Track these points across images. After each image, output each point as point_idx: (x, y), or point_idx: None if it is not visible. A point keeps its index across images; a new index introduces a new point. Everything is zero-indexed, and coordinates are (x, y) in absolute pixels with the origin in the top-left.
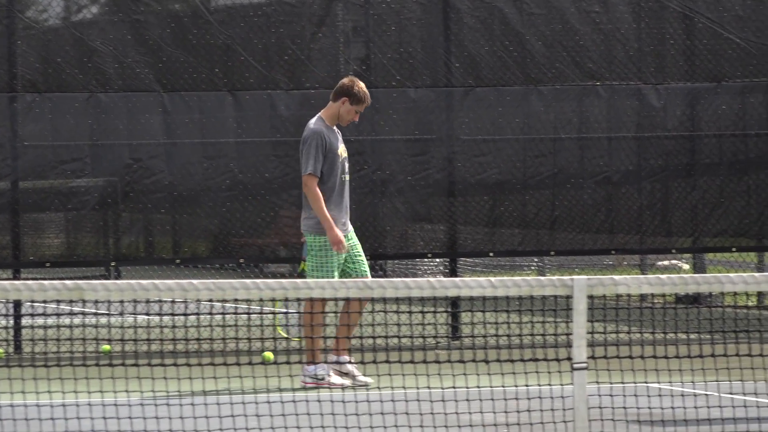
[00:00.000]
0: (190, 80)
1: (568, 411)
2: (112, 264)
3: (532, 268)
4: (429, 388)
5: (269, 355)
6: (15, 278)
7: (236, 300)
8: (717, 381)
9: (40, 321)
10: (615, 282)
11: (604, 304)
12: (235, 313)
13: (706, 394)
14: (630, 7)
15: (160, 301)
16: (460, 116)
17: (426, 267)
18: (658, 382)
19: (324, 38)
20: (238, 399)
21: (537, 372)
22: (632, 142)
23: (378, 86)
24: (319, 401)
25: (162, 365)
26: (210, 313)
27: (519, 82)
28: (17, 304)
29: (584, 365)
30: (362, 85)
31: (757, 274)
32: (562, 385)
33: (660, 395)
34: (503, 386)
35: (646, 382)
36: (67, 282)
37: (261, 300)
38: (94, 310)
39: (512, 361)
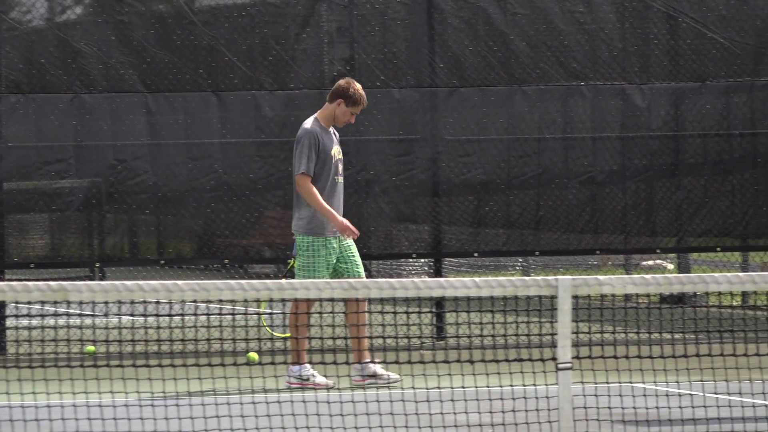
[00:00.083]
0: (175, 81)
1: (553, 411)
2: (97, 265)
3: (517, 268)
4: (414, 388)
5: (254, 355)
6: None
7: (221, 301)
8: (702, 381)
9: (24, 322)
10: (600, 282)
11: (589, 304)
12: (220, 314)
13: (691, 394)
14: (614, 7)
15: (144, 302)
16: (445, 116)
17: (411, 267)
18: (643, 382)
19: (308, 39)
20: (223, 400)
21: (522, 372)
22: (617, 142)
23: (362, 86)
24: (304, 402)
25: (147, 366)
26: (195, 314)
27: (503, 82)
28: (1, 305)
29: (569, 365)
30: (358, 86)
31: (741, 274)
32: (547, 385)
33: (645, 395)
34: (488, 386)
35: (631, 382)
36: (52, 283)
37: (246, 301)
38: (78, 311)
39: (497, 361)
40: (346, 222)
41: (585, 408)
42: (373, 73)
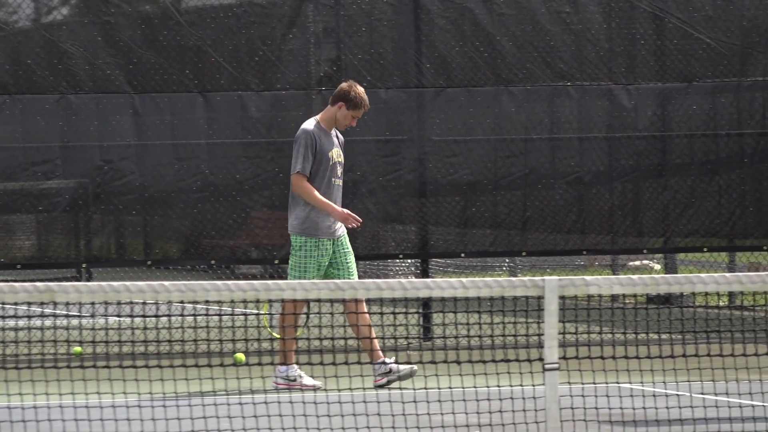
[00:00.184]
0: (161, 81)
1: (539, 411)
2: (83, 266)
3: (504, 268)
4: (401, 388)
5: (240, 356)
6: None
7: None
8: (688, 381)
9: (11, 323)
10: (586, 282)
11: (576, 304)
12: (207, 315)
13: (678, 394)
14: (600, 7)
15: (131, 302)
16: (431, 117)
17: (397, 268)
18: (630, 383)
19: (294, 39)
20: (210, 400)
21: (509, 372)
22: (603, 142)
23: None
24: (291, 403)
25: (133, 367)
26: (181, 315)
27: (490, 82)
28: None
29: (556, 366)
30: (360, 90)
31: (728, 274)
32: (533, 385)
33: (632, 395)
34: (475, 387)
35: (617, 383)
36: (38, 284)
37: (232, 302)
38: (65, 312)
39: (484, 361)
40: (346, 211)
41: (572, 408)
42: (359, 74)
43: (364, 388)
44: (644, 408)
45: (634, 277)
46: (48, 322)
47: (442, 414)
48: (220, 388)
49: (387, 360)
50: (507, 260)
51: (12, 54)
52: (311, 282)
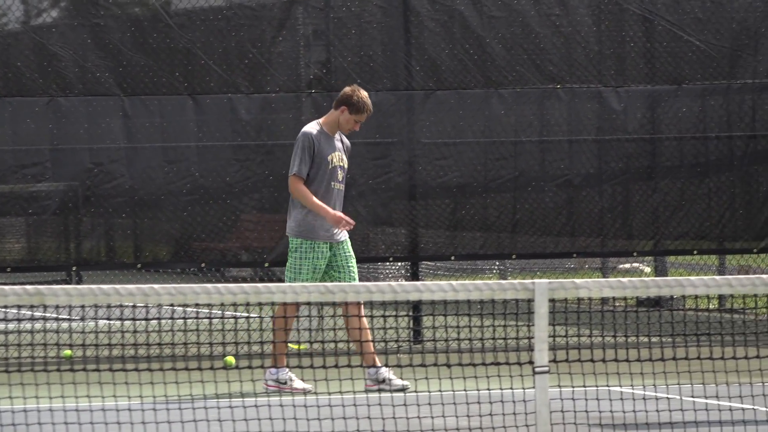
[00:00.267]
0: (151, 84)
1: (530, 415)
2: (73, 269)
3: (494, 271)
4: (391, 392)
5: (231, 359)
6: None
7: (197, 304)
8: (679, 384)
9: (0, 326)
10: (576, 285)
11: (566, 307)
12: (197, 318)
13: (668, 397)
14: (590, 10)
15: (121, 305)
16: (421, 119)
17: (387, 271)
18: (620, 386)
19: (284, 42)
20: (200, 404)
21: (499, 376)
22: (593, 145)
23: (338, 90)
24: (281, 406)
25: (123, 370)
26: (171, 318)
27: (480, 85)
28: None
29: (546, 369)
30: (364, 94)
31: (717, 277)
32: (524, 388)
33: (622, 398)
34: (465, 390)
35: (608, 386)
36: (28, 287)
37: (222, 304)
38: (55, 315)
39: (474, 365)
40: (339, 213)
41: (562, 411)
42: (349, 77)
43: (354, 392)
44: (634, 411)
45: (624, 280)
46: (38, 325)
47: (432, 417)
48: (211, 392)
49: (383, 369)
50: (497, 263)
51: (1, 56)
52: (301, 285)
